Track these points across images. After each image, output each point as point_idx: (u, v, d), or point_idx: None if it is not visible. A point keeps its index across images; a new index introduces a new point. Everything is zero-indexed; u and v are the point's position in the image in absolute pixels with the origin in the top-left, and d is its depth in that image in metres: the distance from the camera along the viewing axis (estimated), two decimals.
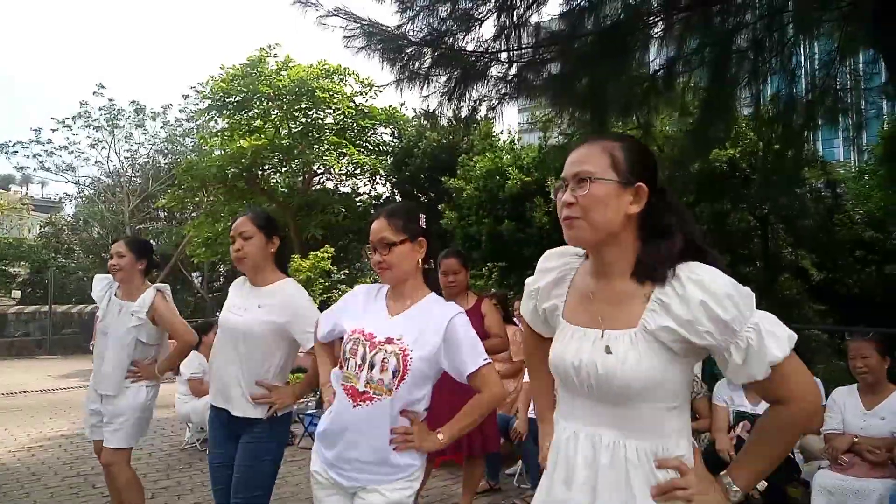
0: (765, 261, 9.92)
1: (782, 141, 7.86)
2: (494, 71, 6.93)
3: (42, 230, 27.93)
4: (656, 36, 7.09)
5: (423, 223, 2.14)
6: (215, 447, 2.83)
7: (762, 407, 3.88)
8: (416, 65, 6.69)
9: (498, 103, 6.78)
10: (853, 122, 8.14)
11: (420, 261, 2.13)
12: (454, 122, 7.68)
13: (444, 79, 6.72)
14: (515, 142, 13.70)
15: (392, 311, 2.11)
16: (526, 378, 4.88)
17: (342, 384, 2.06)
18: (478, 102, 7.13)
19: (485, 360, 2.01)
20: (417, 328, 2.02)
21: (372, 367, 1.99)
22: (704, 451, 4.01)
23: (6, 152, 24.64)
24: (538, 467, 4.56)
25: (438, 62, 6.74)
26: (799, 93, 7.58)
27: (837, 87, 7.66)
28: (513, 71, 6.91)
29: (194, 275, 23.61)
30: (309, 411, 6.66)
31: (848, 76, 7.85)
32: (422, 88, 6.68)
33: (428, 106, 7.66)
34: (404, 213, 2.13)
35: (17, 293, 24.33)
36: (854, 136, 8.61)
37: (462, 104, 7.01)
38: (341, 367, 2.09)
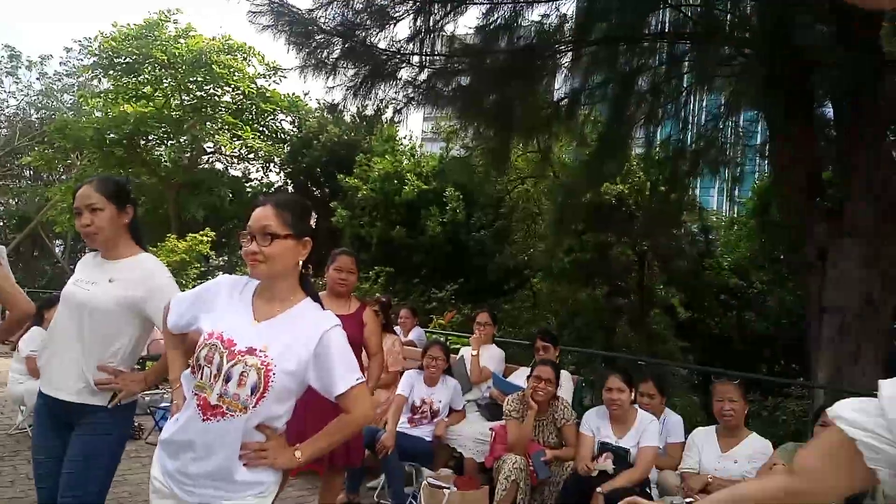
0: (639, 294, 10.36)
1: (668, 183, 8.25)
2: (404, 74, 6.84)
3: None
4: (565, 65, 7.27)
5: (313, 223, 1.93)
6: (41, 439, 2.43)
7: (627, 439, 3.94)
8: (325, 54, 6.47)
9: (404, 106, 6.68)
10: (731, 175, 8.73)
11: (300, 263, 1.91)
12: (358, 120, 7.50)
13: (351, 72, 6.54)
14: (417, 148, 13.64)
15: (258, 314, 1.87)
16: (399, 390, 4.75)
17: (194, 392, 1.81)
18: (384, 103, 6.99)
19: (357, 379, 1.84)
20: (285, 339, 1.81)
21: (228, 379, 1.75)
22: (567, 478, 4.03)
23: None
24: (401, 483, 4.41)
25: (348, 55, 6.55)
26: (688, 140, 8.01)
27: (722, 139, 8.17)
28: (423, 76, 6.84)
29: (56, 242, 21.82)
30: (163, 404, 6.20)
31: (731, 131, 8.41)
32: (327, 79, 6.47)
33: (333, 98, 7.46)
34: (296, 206, 1.90)
35: None
36: (731, 187, 9.22)
37: (368, 102, 6.86)
38: (193, 373, 1.83)
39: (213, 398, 1.76)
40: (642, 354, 9.60)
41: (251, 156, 16.86)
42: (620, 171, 8.69)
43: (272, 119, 16.78)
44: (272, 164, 17.36)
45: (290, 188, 17.20)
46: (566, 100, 7.36)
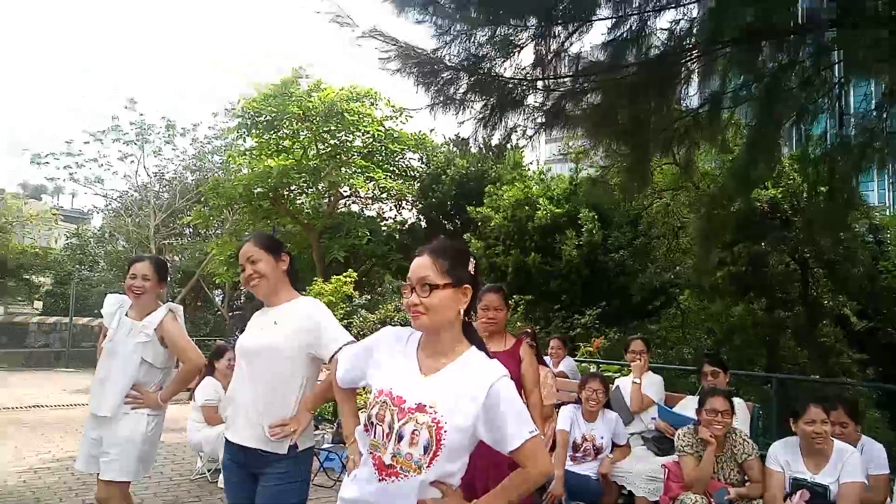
0: (804, 306, 9.50)
1: (830, 183, 7.54)
2: (531, 99, 6.74)
3: (68, 241, 28.11)
4: (700, 69, 6.87)
5: (472, 269, 1.87)
6: (231, 495, 2.58)
7: (824, 475, 3.54)
8: (452, 89, 6.51)
9: (535, 133, 6.55)
10: None
11: (462, 311, 1.85)
12: (486, 150, 7.48)
13: (479, 105, 6.53)
14: (545, 172, 13.46)
15: (425, 369, 1.84)
16: (560, 426, 4.57)
17: (370, 451, 1.81)
18: (512, 130, 6.93)
19: (531, 431, 1.75)
20: (454, 393, 1.77)
21: (400, 438, 1.74)
22: None
23: (38, 163, 24.91)
24: None
25: (474, 88, 6.55)
26: (848, 134, 7.29)
27: (887, 129, 7.36)
28: (550, 100, 6.71)
29: (216, 293, 23.56)
30: (325, 445, 6.38)
31: None
32: (457, 114, 6.49)
33: (458, 134, 7.52)
34: (453, 253, 1.86)
35: (39, 304, 24.44)
36: None
37: (496, 132, 6.81)
38: (367, 431, 1.83)
39: (388, 458, 1.74)
40: (813, 372, 8.79)
41: (384, 195, 17.39)
42: (771, 175, 8.07)
43: (401, 158, 17.25)
44: (404, 202, 17.82)
45: (422, 223, 17.56)
46: (705, 106, 6.95)
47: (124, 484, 3.29)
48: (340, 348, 2.45)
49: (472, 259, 1.88)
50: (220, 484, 5.68)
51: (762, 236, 8.88)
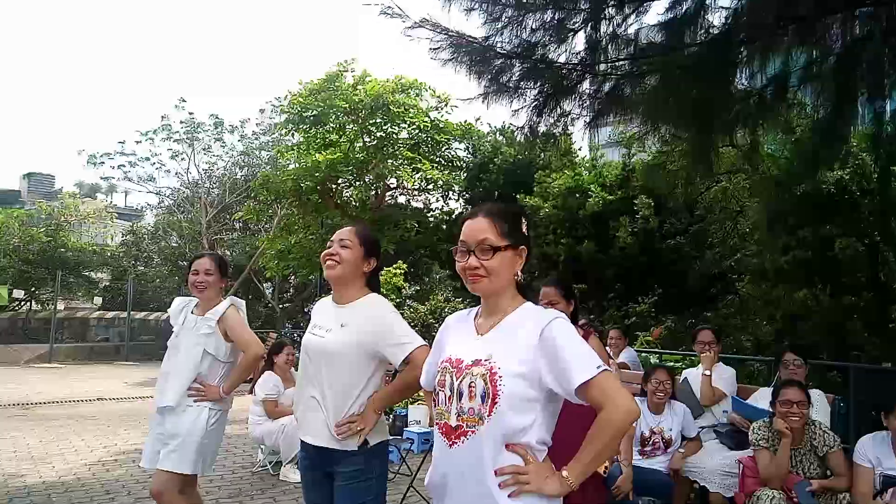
0: (873, 291, 9.08)
1: None
2: (587, 84, 6.56)
3: (124, 238, 28.91)
4: (763, 48, 6.59)
5: (525, 230, 1.83)
6: (308, 493, 2.56)
7: None
8: (505, 77, 6.38)
9: (591, 119, 6.38)
10: None
11: (518, 270, 1.82)
12: (540, 138, 7.31)
13: (533, 92, 6.38)
14: (597, 159, 13.19)
15: (481, 329, 1.82)
16: None
17: (437, 423, 1.77)
18: (567, 117, 6.76)
19: (598, 367, 1.63)
20: (507, 342, 1.73)
21: (460, 396, 1.70)
22: None
23: (94, 163, 25.65)
24: None
25: (528, 75, 6.40)
26: None
27: None
28: (607, 85, 6.52)
29: (266, 286, 23.91)
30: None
31: None
32: (510, 102, 6.36)
33: (505, 122, 7.30)
34: (510, 214, 1.82)
35: (98, 299, 25.20)
36: None
37: (550, 119, 6.66)
38: (435, 404, 1.80)
39: (453, 419, 1.70)
40: (884, 360, 8.41)
41: (430, 186, 17.32)
42: (839, 156, 7.70)
43: (447, 148, 17.15)
44: (451, 193, 17.73)
45: None
46: (769, 86, 6.66)
47: (181, 476, 3.30)
48: (411, 352, 2.41)
49: (524, 220, 1.85)
50: (282, 476, 5.74)
51: (829, 219, 8.49)
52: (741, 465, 3.99)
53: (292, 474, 5.75)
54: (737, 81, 6.70)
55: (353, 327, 2.46)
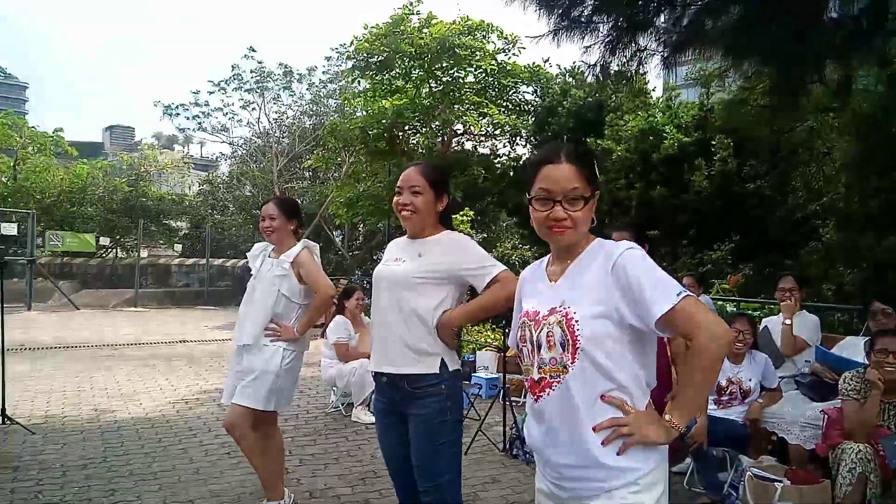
0: None
1: None
2: (664, 17, 6.20)
3: (201, 188, 29.90)
4: None
5: (597, 171, 1.70)
6: (383, 439, 2.57)
7: None
8: (576, 12, 6.08)
9: (670, 54, 6.04)
10: None
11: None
12: (613, 77, 7.00)
13: (607, 27, 6.07)
14: (672, 99, 12.59)
15: (554, 276, 1.71)
16: None
17: (525, 380, 1.71)
18: (643, 53, 6.42)
19: (679, 294, 1.48)
20: (580, 284, 1.61)
21: (539, 347, 1.61)
22: None
23: (170, 114, 26.42)
24: (715, 469, 3.96)
25: (601, 8, 6.08)
26: None
27: None
28: (686, 17, 6.14)
29: (336, 234, 24.36)
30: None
31: None
32: (581, 38, 6.08)
33: (575, 62, 6.97)
34: (592, 159, 1.69)
35: (178, 246, 26.29)
36: None
37: (625, 55, 6.34)
38: (521, 363, 1.73)
39: (536, 373, 1.62)
40: None
41: (497, 132, 17.04)
42: None
43: (515, 92, 16.76)
44: (518, 138, 17.39)
45: None
46: (866, 14, 6.13)
47: (253, 412, 3.40)
48: (496, 276, 2.39)
49: (595, 163, 1.71)
50: (353, 417, 5.89)
51: None
52: (825, 417, 3.82)
53: (364, 415, 5.89)
54: (829, 10, 6.20)
55: (430, 256, 2.44)
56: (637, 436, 1.51)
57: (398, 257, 2.52)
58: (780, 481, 3.46)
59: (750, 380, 4.26)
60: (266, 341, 3.43)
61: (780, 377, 4.42)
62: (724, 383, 4.29)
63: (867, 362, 3.67)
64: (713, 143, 10.49)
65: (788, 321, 4.51)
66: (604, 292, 1.54)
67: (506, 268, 2.46)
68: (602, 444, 1.52)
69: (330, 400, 6.46)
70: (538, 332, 1.61)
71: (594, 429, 1.52)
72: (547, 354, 1.58)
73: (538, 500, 1.70)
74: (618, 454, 1.52)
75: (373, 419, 5.85)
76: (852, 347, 4.29)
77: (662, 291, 1.48)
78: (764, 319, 5.09)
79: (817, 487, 3.46)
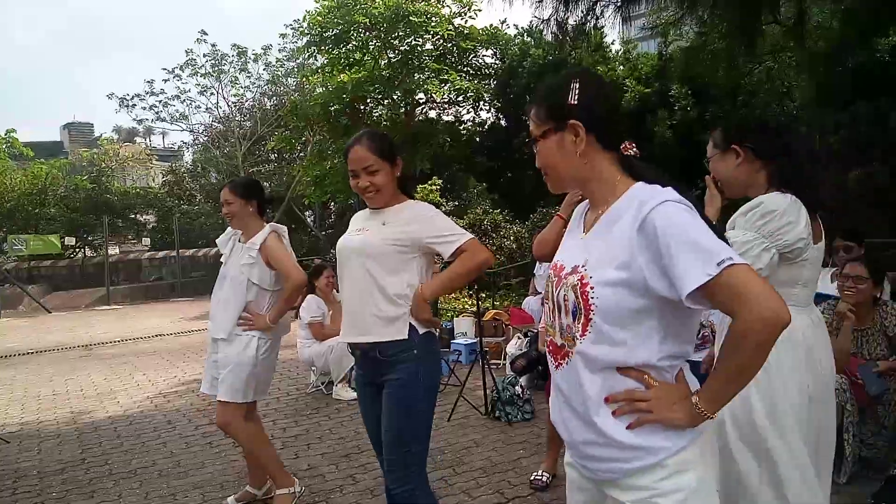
0: None
1: None
2: None
3: (165, 179, 29.34)
4: None
5: (574, 99, 1.39)
6: (364, 410, 2.56)
7: None
8: None
9: (624, 2, 5.96)
10: None
11: (579, 151, 1.40)
12: (570, 34, 6.91)
13: None
14: (630, 51, 12.53)
15: (587, 225, 1.46)
16: None
17: (546, 341, 1.50)
18: (594, 7, 6.35)
19: (721, 263, 1.17)
20: (604, 242, 1.35)
21: (560, 310, 1.39)
22: None
23: (127, 105, 25.77)
24: None
25: None
26: None
27: None
28: None
29: (307, 214, 24.12)
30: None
31: None
32: None
33: (533, 21, 6.92)
34: (546, 92, 1.46)
35: (147, 240, 25.86)
36: None
37: (578, 9, 6.27)
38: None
39: (558, 337, 1.42)
40: None
41: (460, 98, 16.86)
42: None
43: (474, 56, 16.57)
44: (482, 103, 17.24)
45: (503, 122, 17.00)
46: None
47: (237, 405, 3.34)
48: (462, 244, 2.35)
49: (572, 87, 1.40)
50: (335, 395, 5.86)
51: (883, 91, 7.95)
52: None
53: (344, 392, 5.86)
54: None
55: (394, 226, 2.39)
56: (657, 415, 1.28)
57: (361, 228, 2.48)
58: None
59: (723, 322, 4.28)
60: (239, 331, 3.33)
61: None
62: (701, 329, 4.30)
63: (837, 294, 3.70)
64: (672, 93, 10.48)
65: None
66: (627, 254, 1.28)
67: (473, 236, 2.42)
68: (614, 413, 1.31)
69: (310, 380, 6.41)
70: (558, 292, 1.40)
71: (607, 399, 1.32)
72: (564, 320, 1.38)
73: (567, 472, 1.54)
74: (628, 428, 1.30)
75: (354, 395, 5.86)
76: (821, 280, 4.32)
77: (697, 260, 1.18)
78: None
79: None
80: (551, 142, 1.42)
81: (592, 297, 1.30)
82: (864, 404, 3.55)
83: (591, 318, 1.30)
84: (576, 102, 1.38)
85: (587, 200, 1.53)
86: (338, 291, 6.73)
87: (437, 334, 2.52)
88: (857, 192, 9.06)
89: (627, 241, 1.28)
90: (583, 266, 1.34)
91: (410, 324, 2.35)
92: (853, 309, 3.51)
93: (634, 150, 1.74)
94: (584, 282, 1.32)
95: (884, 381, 3.49)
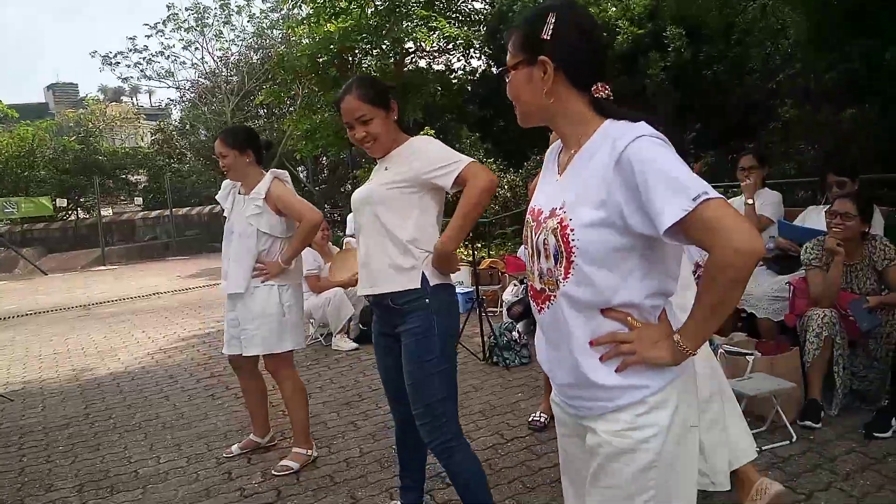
0: None
1: None
2: None
3: (154, 137, 28.98)
4: None
5: (547, 34, 1.32)
6: (380, 360, 2.57)
7: None
8: None
9: None
10: None
11: (545, 88, 1.35)
12: None
13: None
14: None
15: (562, 166, 1.43)
16: None
17: (528, 286, 1.49)
18: None
19: (696, 198, 1.15)
20: (580, 182, 1.32)
21: (539, 254, 1.38)
22: None
23: (110, 63, 25.27)
24: None
25: None
26: None
27: None
28: None
29: (299, 169, 23.93)
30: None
31: None
32: None
33: None
34: (531, 23, 1.36)
35: (139, 200, 25.72)
36: None
37: None
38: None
39: (538, 282, 1.41)
40: None
41: (450, 46, 16.56)
42: None
43: (463, 2, 16.25)
44: (472, 50, 16.95)
45: (494, 70, 16.74)
46: None
47: (280, 356, 3.35)
48: (461, 171, 2.25)
49: (548, 21, 1.33)
50: (334, 346, 5.93)
51: (878, 28, 7.81)
52: (791, 288, 3.89)
53: (343, 343, 5.93)
54: None
55: (395, 168, 2.35)
56: (640, 355, 1.30)
57: (372, 178, 2.45)
58: (752, 354, 3.55)
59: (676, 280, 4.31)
60: (257, 283, 3.28)
61: None
62: (692, 267, 4.33)
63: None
64: (665, 34, 10.29)
65: (750, 201, 4.51)
66: (605, 192, 1.26)
67: (471, 160, 2.30)
68: (601, 359, 1.32)
69: (309, 332, 6.45)
70: (537, 236, 1.39)
71: (591, 343, 1.33)
72: (545, 264, 1.37)
73: (553, 409, 1.56)
74: (616, 371, 1.31)
75: (353, 345, 5.93)
76: (815, 216, 4.34)
77: (674, 195, 1.17)
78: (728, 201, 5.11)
79: (787, 355, 3.55)
80: (521, 74, 1.38)
81: (573, 240, 1.29)
82: (855, 338, 3.60)
83: (572, 261, 1.29)
84: (548, 38, 1.33)
85: (558, 142, 1.50)
86: (333, 244, 6.73)
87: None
88: (850, 130, 9.01)
89: (603, 178, 1.26)
90: (561, 208, 1.33)
91: (424, 273, 2.32)
92: (841, 244, 3.53)
93: (607, 92, 1.69)
94: (563, 224, 1.31)
95: (875, 316, 3.54)
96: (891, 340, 3.49)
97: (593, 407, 1.36)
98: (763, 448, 3.14)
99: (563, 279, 1.31)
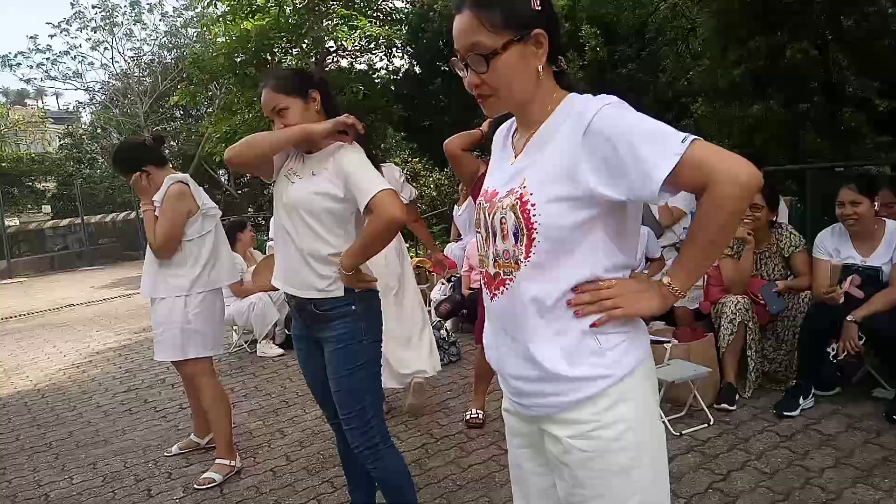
0: (825, 95, 9.03)
1: None
2: None
3: (62, 142, 27.54)
4: None
5: (537, 3, 1.25)
6: (303, 365, 2.46)
7: (876, 257, 3.40)
8: None
9: None
10: None
11: (542, 65, 1.27)
12: None
13: None
14: None
15: (517, 147, 1.36)
16: None
17: (481, 275, 1.40)
18: None
19: (685, 139, 1.14)
20: (542, 157, 1.25)
21: (495, 236, 1.31)
22: (807, 311, 3.59)
23: (9, 64, 23.89)
24: None
25: None
26: None
27: None
28: None
29: (220, 172, 23.25)
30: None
31: None
32: None
33: None
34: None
35: (47, 208, 24.41)
36: None
37: None
38: (478, 252, 1.44)
39: (491, 267, 1.33)
40: (835, 160, 8.49)
41: (372, 45, 16.44)
42: None
43: (384, 1, 16.16)
44: (394, 49, 16.88)
45: (416, 69, 16.73)
46: None
47: (196, 361, 3.28)
48: (372, 197, 2.10)
49: None
50: (259, 353, 5.78)
51: (780, 26, 8.23)
52: (705, 276, 4.04)
53: (269, 349, 5.78)
54: None
55: (326, 176, 2.20)
56: (625, 308, 1.22)
57: (297, 173, 2.28)
58: (669, 341, 3.66)
59: (635, 253, 4.43)
60: (161, 293, 3.23)
61: (661, 247, 4.62)
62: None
63: None
64: (581, 34, 10.54)
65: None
66: (571, 165, 1.19)
67: (381, 189, 2.11)
68: (576, 314, 1.23)
69: (233, 339, 6.27)
70: (492, 216, 1.31)
71: (568, 302, 1.23)
72: (501, 245, 1.29)
73: (505, 419, 1.48)
74: (592, 326, 1.23)
75: (278, 351, 5.79)
76: None
77: (663, 145, 1.13)
78: None
79: (703, 341, 3.68)
80: (511, 55, 1.24)
81: (534, 216, 1.22)
82: (765, 322, 3.77)
83: (533, 238, 1.23)
84: (539, 7, 1.24)
85: (507, 123, 1.45)
86: (256, 248, 6.56)
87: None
88: (756, 124, 9.47)
89: (569, 151, 1.20)
90: (521, 186, 1.26)
91: None
92: (751, 233, 3.70)
93: (563, 64, 1.68)
94: (523, 200, 1.24)
95: (782, 300, 3.71)
96: (796, 323, 3.67)
97: (547, 402, 1.27)
98: (683, 433, 3.25)
99: (525, 258, 1.24)
